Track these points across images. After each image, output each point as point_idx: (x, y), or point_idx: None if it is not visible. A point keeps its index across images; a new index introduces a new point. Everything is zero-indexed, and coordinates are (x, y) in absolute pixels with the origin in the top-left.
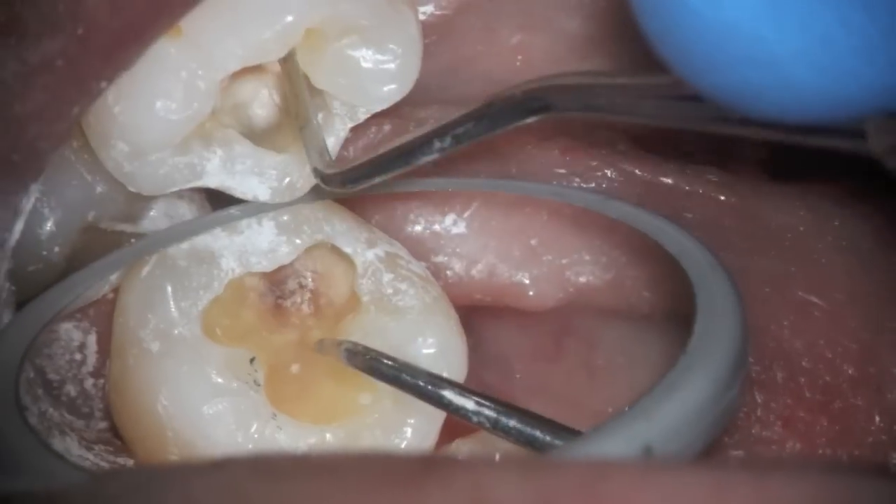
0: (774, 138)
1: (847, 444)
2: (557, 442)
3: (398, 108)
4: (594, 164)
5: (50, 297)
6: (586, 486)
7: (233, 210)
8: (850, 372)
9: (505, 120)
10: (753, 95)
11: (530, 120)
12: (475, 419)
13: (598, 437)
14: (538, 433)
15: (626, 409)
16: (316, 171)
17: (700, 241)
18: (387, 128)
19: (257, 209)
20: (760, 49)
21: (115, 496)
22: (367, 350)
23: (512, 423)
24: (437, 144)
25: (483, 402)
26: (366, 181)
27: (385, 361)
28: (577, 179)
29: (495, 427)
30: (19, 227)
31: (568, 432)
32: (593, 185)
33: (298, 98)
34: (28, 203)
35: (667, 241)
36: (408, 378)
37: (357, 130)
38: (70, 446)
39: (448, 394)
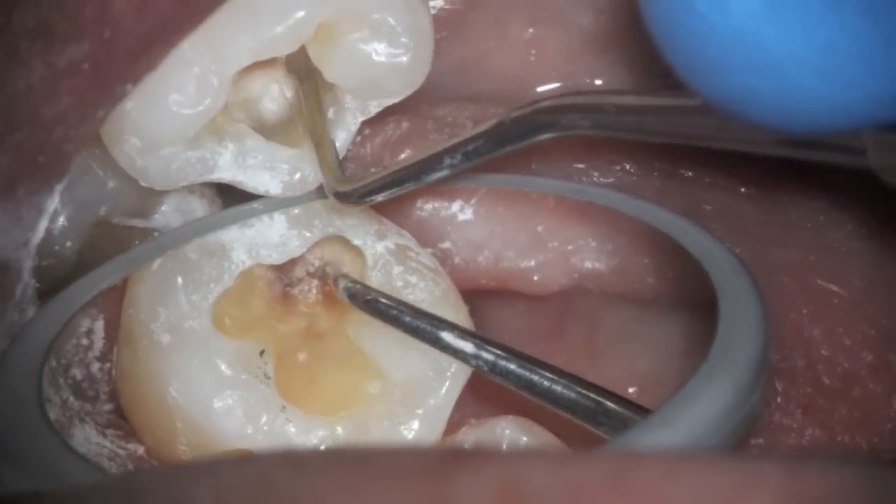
0: (779, 154)
1: (866, 430)
2: (556, 387)
3: (415, 106)
4: (613, 157)
5: (71, 293)
6: (616, 476)
7: (255, 205)
8: (868, 359)
9: (514, 139)
10: (757, 102)
11: (540, 139)
12: (473, 362)
13: (621, 445)
14: (536, 377)
15: (648, 417)
16: (329, 188)
17: (722, 243)
18: (405, 125)
19: (280, 203)
20: (765, 55)
21: (144, 489)
22: (367, 289)
23: (511, 366)
24: (447, 161)
25: (482, 344)
26: (377, 197)
27: (384, 301)
28: (596, 174)
29: (493, 370)
30: (43, 225)
31: (567, 377)
32: (612, 179)
33: (313, 114)
34: (53, 203)
35: (689, 243)
36: (407, 318)
37: (374, 128)
38: (89, 434)
39: (447, 335)
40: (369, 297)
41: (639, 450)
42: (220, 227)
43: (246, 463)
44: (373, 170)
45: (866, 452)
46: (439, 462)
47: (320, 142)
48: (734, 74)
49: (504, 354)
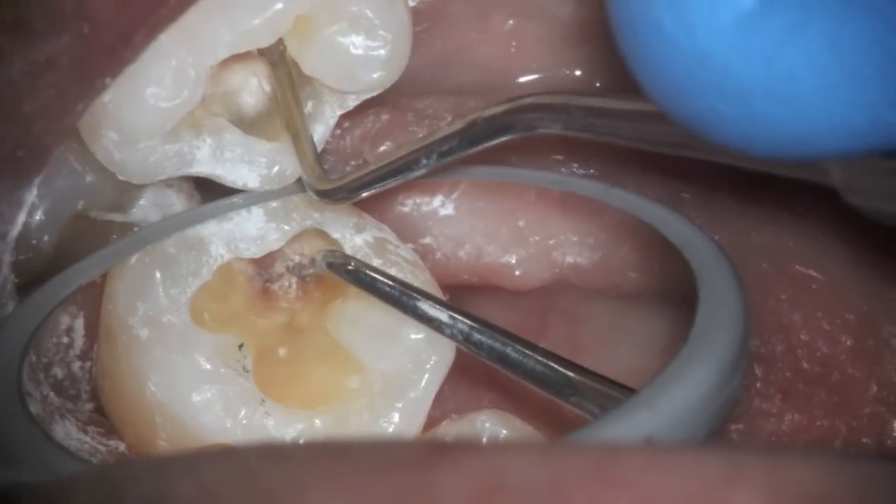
0: (747, 166)
1: (845, 415)
2: (528, 362)
3: (395, 99)
4: (592, 148)
5: (51, 288)
6: (598, 468)
7: (235, 199)
8: (848, 343)
9: (486, 138)
10: (721, 124)
11: (512, 137)
12: (448, 331)
13: (601, 427)
14: (509, 350)
15: (629, 399)
16: (308, 185)
17: (702, 231)
18: (385, 118)
19: (261, 197)
20: (729, 79)
21: (126, 481)
22: (346, 257)
23: (484, 338)
24: (423, 161)
25: (457, 316)
26: (356, 195)
27: (365, 271)
28: (576, 165)
29: (468, 341)
30: (21, 219)
31: (540, 352)
32: (592, 170)
33: (289, 106)
34: (31, 196)
35: (669, 232)
36: (385, 287)
37: (354, 121)
38: (70, 430)
39: (424, 305)
40: (350, 267)
41: (620, 437)
42: (201, 221)
43: (228, 456)
44: (350, 165)
45: (845, 436)
46: (422, 455)
47: (298, 135)
48: (698, 96)
49: (479, 327)
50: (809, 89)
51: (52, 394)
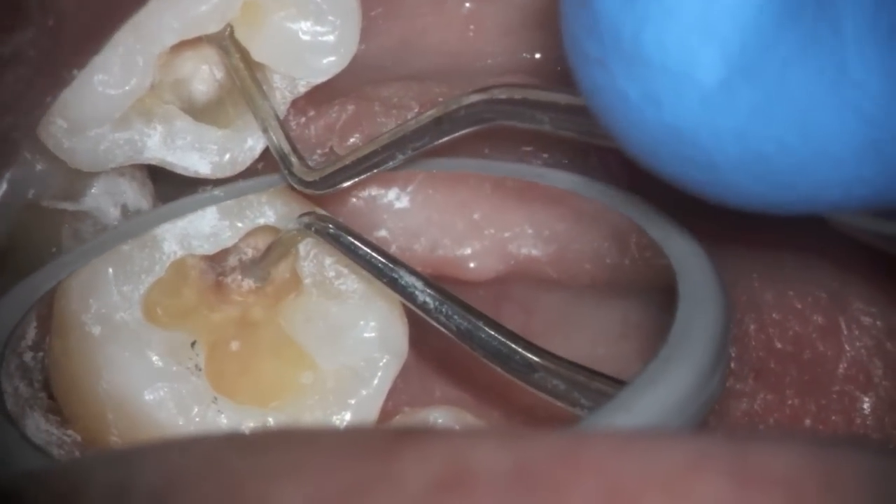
0: None
1: (815, 393)
2: (494, 343)
3: (359, 87)
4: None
5: (30, 284)
6: (565, 453)
7: (217, 192)
8: (819, 321)
9: (454, 130)
10: (694, 186)
11: (478, 128)
12: (420, 300)
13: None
14: (477, 328)
15: (606, 402)
16: (291, 176)
17: (683, 227)
18: (350, 108)
19: (239, 191)
20: (699, 153)
21: (88, 473)
22: (326, 219)
23: (453, 313)
24: (398, 156)
25: (429, 289)
26: (337, 185)
27: (345, 235)
28: (546, 154)
29: (437, 312)
30: None
31: (501, 331)
32: (566, 161)
33: (254, 99)
34: (1, 190)
35: (650, 227)
36: (362, 252)
37: (319, 111)
38: (39, 422)
39: (400, 272)
40: (331, 231)
41: (588, 428)
42: (191, 211)
43: (194, 445)
44: (317, 154)
45: (814, 415)
46: (386, 442)
47: (268, 126)
48: (669, 161)
49: (447, 300)
50: (779, 168)
51: (21, 385)
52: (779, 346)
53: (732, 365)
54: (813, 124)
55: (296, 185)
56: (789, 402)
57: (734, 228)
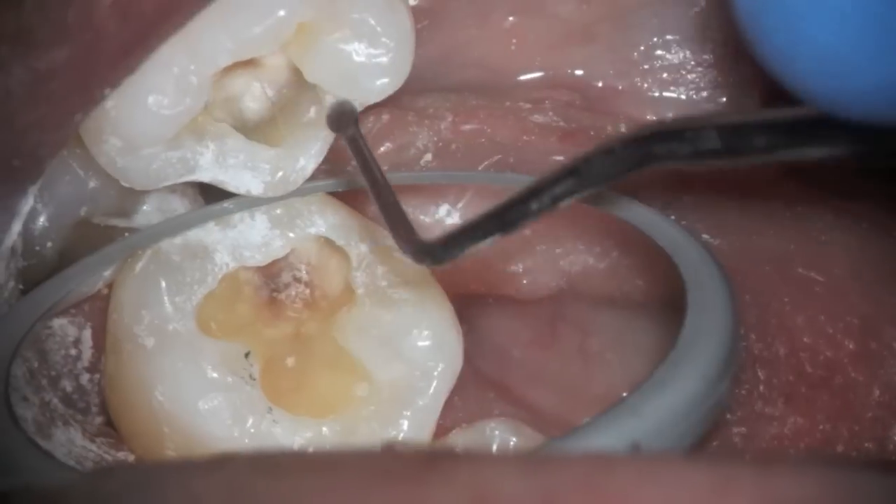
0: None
1: (847, 419)
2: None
3: (396, 97)
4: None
5: (41, 294)
6: (589, 482)
7: (226, 204)
8: (850, 347)
9: (604, 177)
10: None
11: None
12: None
13: (587, 433)
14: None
15: (616, 405)
16: (407, 249)
17: (693, 236)
18: (385, 118)
19: (251, 203)
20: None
21: (114, 494)
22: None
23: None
24: (534, 206)
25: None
26: (461, 251)
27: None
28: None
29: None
30: (17, 227)
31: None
32: None
33: (376, 179)
34: (26, 206)
35: (659, 236)
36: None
37: None
38: (74, 437)
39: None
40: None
41: (607, 442)
42: (194, 226)
43: (219, 468)
44: (350, 165)
45: (847, 441)
46: (414, 468)
47: (387, 206)
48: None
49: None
50: None
51: (55, 400)
52: (809, 370)
53: (761, 388)
54: None
55: (415, 260)
56: (820, 426)
57: (767, 251)
